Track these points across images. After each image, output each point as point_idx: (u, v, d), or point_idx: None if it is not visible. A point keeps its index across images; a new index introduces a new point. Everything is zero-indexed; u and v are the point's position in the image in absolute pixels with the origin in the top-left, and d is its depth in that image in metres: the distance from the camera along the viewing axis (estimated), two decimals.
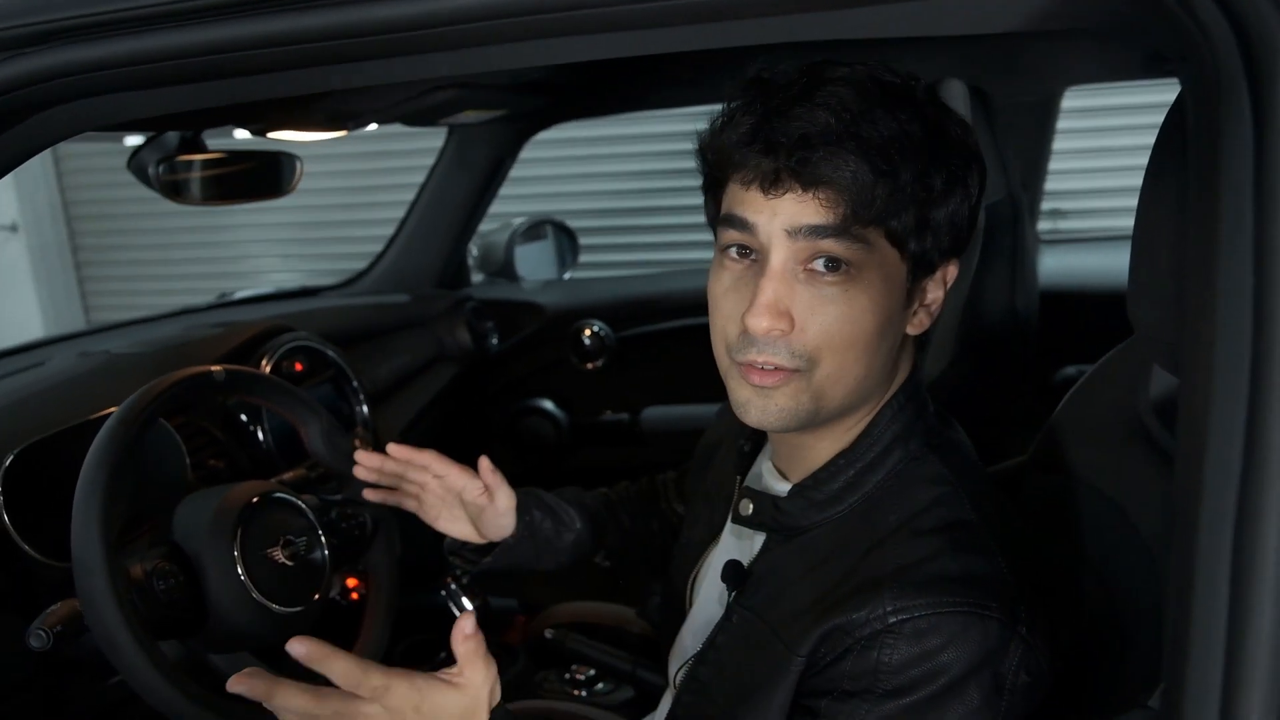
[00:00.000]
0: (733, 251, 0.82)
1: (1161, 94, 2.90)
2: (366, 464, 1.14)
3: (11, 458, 1.12)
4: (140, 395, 1.05)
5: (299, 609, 1.08)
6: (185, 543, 1.05)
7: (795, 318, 0.79)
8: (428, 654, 1.61)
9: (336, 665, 0.76)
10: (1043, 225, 2.75)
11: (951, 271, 0.86)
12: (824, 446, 0.88)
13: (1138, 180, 0.75)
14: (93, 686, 1.10)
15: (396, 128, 2.26)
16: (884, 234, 0.78)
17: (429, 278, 2.36)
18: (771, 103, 0.78)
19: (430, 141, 2.38)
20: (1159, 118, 0.72)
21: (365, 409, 1.73)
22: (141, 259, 5.34)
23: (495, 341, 2.37)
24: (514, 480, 1.13)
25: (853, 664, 0.77)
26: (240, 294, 2.29)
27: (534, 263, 2.59)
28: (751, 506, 0.92)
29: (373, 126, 1.84)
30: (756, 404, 0.82)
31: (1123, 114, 3.36)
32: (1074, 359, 2.11)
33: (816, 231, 0.77)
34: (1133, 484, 0.88)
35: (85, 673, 1.10)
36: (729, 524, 0.99)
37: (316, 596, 1.12)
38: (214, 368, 1.14)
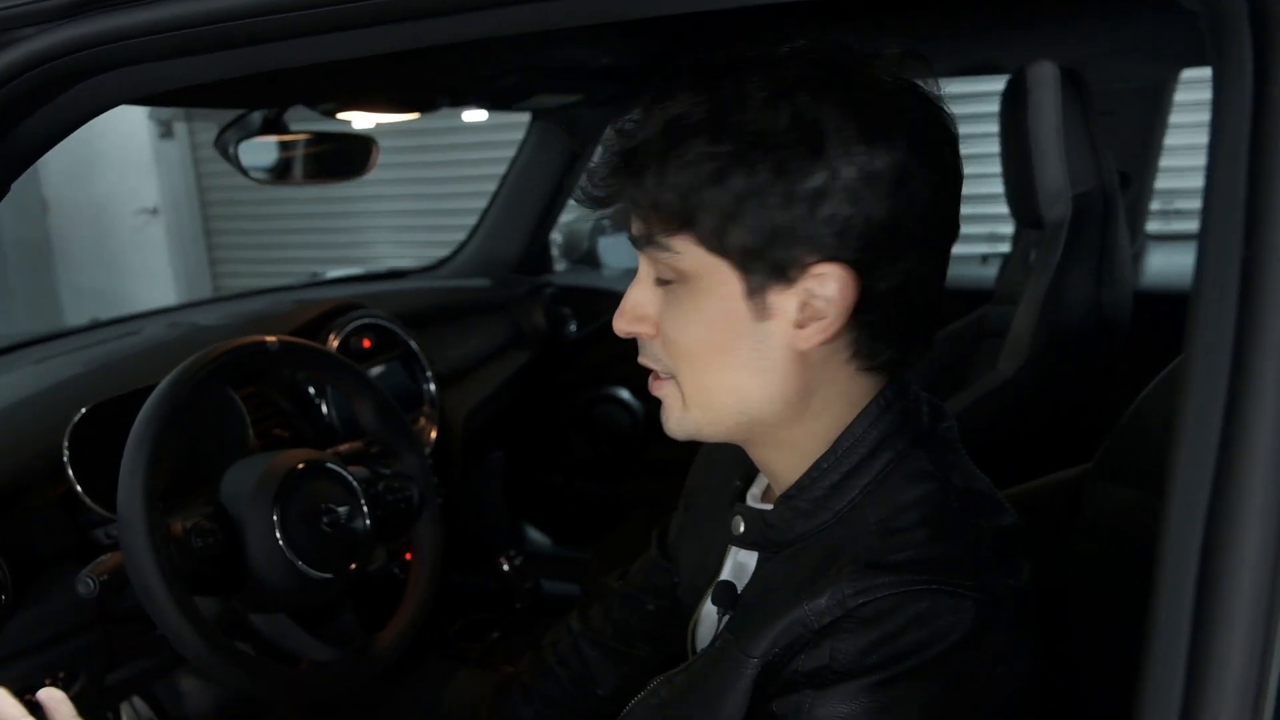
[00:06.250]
0: None
1: None
2: None
3: (79, 416, 1.18)
4: (193, 361, 1.09)
5: (330, 575, 1.10)
6: (230, 504, 1.09)
7: (658, 323, 0.78)
8: (481, 633, 1.63)
9: None
10: (1153, 226, 2.61)
11: (837, 278, 0.71)
12: (791, 462, 0.80)
13: None
14: (143, 636, 1.15)
15: (511, 116, 2.28)
16: (696, 242, 0.73)
17: (510, 263, 2.39)
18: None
19: None
20: None
21: (433, 388, 1.76)
22: (268, 242, 5.65)
23: (573, 328, 2.38)
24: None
25: (805, 659, 0.71)
26: (330, 274, 2.37)
27: (620, 251, 2.59)
28: (743, 525, 0.85)
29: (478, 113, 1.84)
30: (663, 415, 0.81)
31: None
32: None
33: (635, 242, 0.77)
34: None
35: (137, 623, 1.15)
36: (728, 552, 0.91)
37: (354, 565, 1.14)
38: (268, 338, 1.18)
